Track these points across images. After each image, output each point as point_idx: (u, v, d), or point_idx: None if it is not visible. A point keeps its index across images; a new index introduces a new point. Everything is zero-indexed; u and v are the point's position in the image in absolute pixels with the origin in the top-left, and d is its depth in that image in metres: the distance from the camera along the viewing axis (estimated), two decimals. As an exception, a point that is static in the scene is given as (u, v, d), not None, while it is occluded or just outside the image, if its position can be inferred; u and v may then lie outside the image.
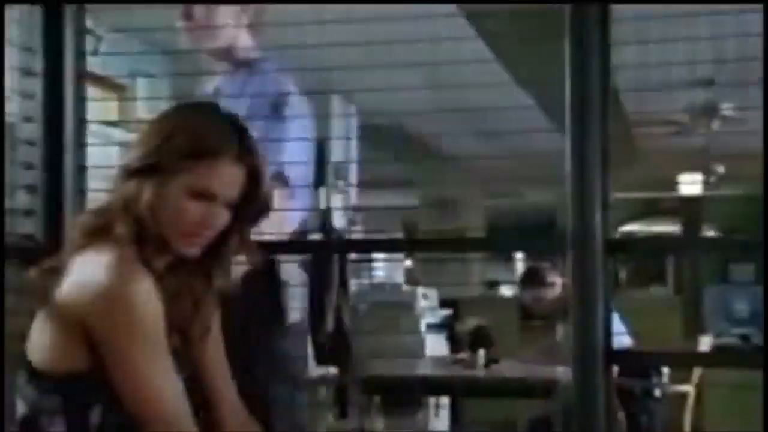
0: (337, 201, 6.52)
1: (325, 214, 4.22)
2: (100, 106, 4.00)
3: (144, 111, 4.68)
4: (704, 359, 3.62)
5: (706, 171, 7.62)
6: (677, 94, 5.90)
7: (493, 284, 9.24)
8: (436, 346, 6.18)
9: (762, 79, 2.28)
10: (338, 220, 6.15)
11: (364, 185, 7.15)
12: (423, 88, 5.56)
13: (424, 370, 4.61)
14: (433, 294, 6.73)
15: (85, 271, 1.53)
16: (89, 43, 1.89)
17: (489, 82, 5.07)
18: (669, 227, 10.15)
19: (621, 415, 3.86)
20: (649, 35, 3.63)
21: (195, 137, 1.57)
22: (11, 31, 1.73)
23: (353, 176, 6.88)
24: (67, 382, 1.54)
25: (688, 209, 8.93)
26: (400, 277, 8.44)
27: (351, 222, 6.87)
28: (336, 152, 6.69)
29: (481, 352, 3.97)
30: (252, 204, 1.63)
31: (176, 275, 1.64)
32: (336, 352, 4.48)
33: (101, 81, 4.84)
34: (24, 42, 1.75)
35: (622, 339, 3.90)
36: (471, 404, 6.26)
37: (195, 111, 1.68)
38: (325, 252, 2.89)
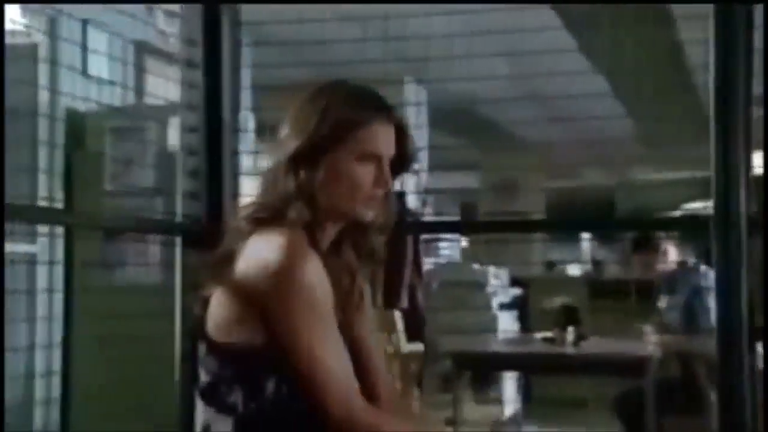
0: (410, 184, 6.60)
1: (401, 196, 4.31)
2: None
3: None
4: None
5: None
6: None
7: (551, 264, 9.28)
8: (507, 324, 6.26)
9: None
10: (412, 202, 6.25)
11: (434, 168, 7.22)
12: (500, 76, 5.61)
13: (506, 347, 4.68)
14: (503, 273, 6.80)
15: (261, 253, 1.62)
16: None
17: (566, 70, 5.11)
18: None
19: (713, 398, 3.89)
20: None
21: (350, 108, 1.67)
22: (175, 25, 1.84)
23: (425, 159, 6.96)
24: (244, 354, 1.63)
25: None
26: (458, 257, 8.53)
27: (423, 203, 6.96)
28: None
29: (570, 330, 4.03)
30: (403, 158, 1.73)
31: (336, 254, 1.74)
32: (410, 329, 4.59)
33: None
34: (186, 35, 1.84)
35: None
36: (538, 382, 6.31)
37: (335, 88, 1.76)
38: (400, 232, 2.94)
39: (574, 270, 8.43)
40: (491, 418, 5.09)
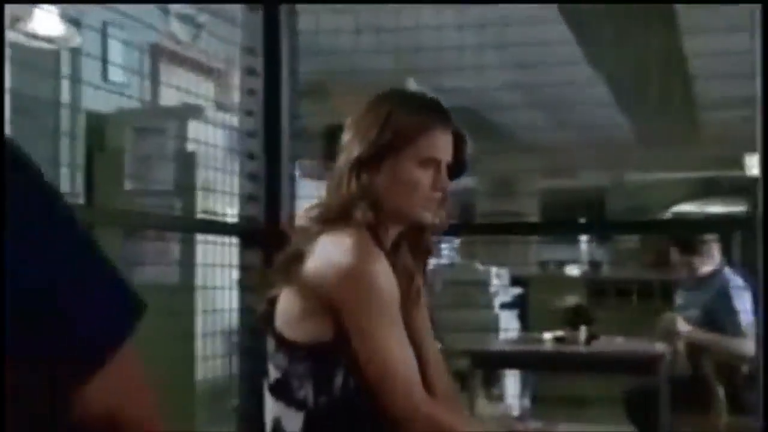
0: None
1: None
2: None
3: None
4: None
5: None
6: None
7: (544, 264, 9.38)
8: (508, 323, 6.36)
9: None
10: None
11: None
12: (498, 67, 5.69)
13: (522, 346, 4.76)
14: (504, 273, 6.89)
15: (329, 253, 1.70)
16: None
17: (570, 76, 5.19)
18: (726, 208, 10.20)
19: (721, 391, 3.99)
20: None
21: (412, 115, 1.76)
22: (236, 33, 1.91)
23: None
24: (314, 350, 1.71)
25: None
26: (456, 257, 8.60)
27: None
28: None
29: (583, 329, 4.11)
30: (459, 163, 1.82)
31: (395, 254, 1.81)
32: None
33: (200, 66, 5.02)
34: (247, 42, 1.91)
35: (744, 316, 3.99)
36: (544, 380, 6.40)
37: (396, 95, 1.84)
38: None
39: (572, 270, 8.53)
40: (502, 414, 5.18)
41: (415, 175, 1.75)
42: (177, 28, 4.95)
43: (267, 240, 1.82)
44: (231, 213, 2.61)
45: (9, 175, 0.77)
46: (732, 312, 4.10)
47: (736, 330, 4.10)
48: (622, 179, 10.34)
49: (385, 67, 3.87)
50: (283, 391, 1.73)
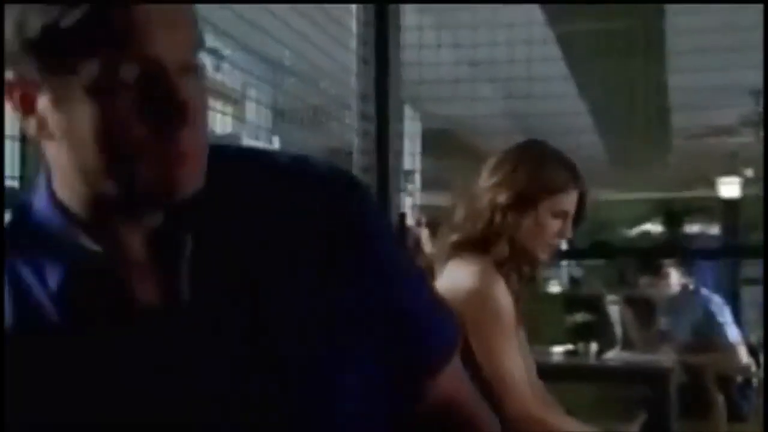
0: (407, 203, 6.97)
1: (402, 217, 4.65)
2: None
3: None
4: None
5: (740, 174, 8.13)
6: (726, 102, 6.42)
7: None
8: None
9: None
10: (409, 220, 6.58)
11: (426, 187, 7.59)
12: (493, 97, 6.03)
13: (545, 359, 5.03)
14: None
15: (459, 276, 2.00)
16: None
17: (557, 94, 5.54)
18: (692, 228, 10.65)
19: (721, 399, 4.33)
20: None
21: (558, 174, 2.07)
22: (353, 26, 2.24)
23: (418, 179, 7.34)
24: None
25: (727, 211, 9.43)
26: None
27: (418, 222, 7.30)
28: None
29: (593, 344, 4.42)
30: (579, 214, 2.13)
31: (508, 280, 2.11)
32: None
33: (220, 94, 5.25)
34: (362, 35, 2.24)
35: (731, 329, 4.36)
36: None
37: (541, 152, 2.14)
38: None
39: (553, 287, 8.86)
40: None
41: (549, 223, 2.07)
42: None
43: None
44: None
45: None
46: (719, 327, 4.52)
47: (727, 344, 4.49)
48: (596, 199, 10.72)
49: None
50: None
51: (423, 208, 8.55)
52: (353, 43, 2.34)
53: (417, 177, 7.41)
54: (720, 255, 7.61)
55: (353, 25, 2.36)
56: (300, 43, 2.68)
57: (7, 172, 1.85)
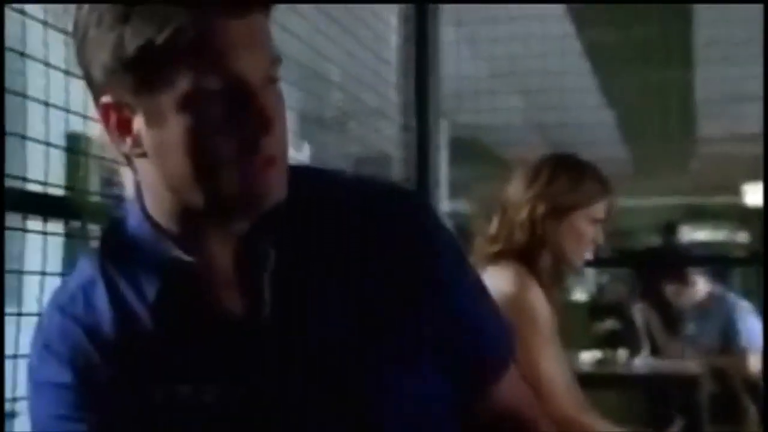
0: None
1: None
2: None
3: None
4: None
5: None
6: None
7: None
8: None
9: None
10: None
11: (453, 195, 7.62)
12: (519, 108, 6.06)
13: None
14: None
15: (497, 282, 2.04)
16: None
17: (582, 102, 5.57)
18: (712, 234, 10.61)
19: (753, 409, 4.33)
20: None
21: (594, 184, 2.16)
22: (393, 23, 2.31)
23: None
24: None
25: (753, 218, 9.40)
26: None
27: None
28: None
29: (622, 351, 4.45)
30: (607, 220, 2.20)
31: (542, 285, 2.16)
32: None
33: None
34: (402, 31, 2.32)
35: (751, 335, 4.38)
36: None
37: (578, 163, 2.21)
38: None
39: (578, 294, 8.85)
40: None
41: (586, 230, 2.15)
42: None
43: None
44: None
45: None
46: (737, 333, 4.54)
47: (742, 350, 4.53)
48: (621, 205, 10.70)
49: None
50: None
51: (448, 216, 8.61)
52: (392, 55, 2.41)
53: (443, 185, 7.47)
54: (744, 262, 7.57)
55: (393, 39, 2.43)
56: (336, 52, 2.75)
57: (53, 181, 1.89)
